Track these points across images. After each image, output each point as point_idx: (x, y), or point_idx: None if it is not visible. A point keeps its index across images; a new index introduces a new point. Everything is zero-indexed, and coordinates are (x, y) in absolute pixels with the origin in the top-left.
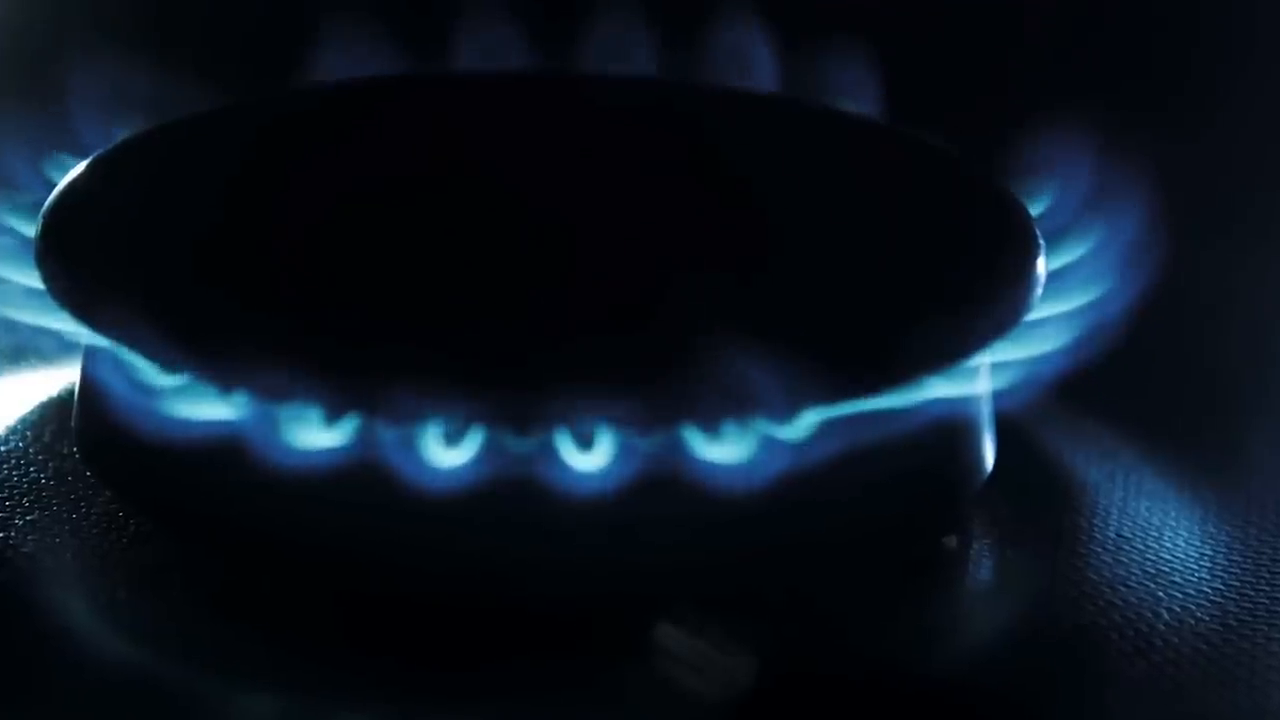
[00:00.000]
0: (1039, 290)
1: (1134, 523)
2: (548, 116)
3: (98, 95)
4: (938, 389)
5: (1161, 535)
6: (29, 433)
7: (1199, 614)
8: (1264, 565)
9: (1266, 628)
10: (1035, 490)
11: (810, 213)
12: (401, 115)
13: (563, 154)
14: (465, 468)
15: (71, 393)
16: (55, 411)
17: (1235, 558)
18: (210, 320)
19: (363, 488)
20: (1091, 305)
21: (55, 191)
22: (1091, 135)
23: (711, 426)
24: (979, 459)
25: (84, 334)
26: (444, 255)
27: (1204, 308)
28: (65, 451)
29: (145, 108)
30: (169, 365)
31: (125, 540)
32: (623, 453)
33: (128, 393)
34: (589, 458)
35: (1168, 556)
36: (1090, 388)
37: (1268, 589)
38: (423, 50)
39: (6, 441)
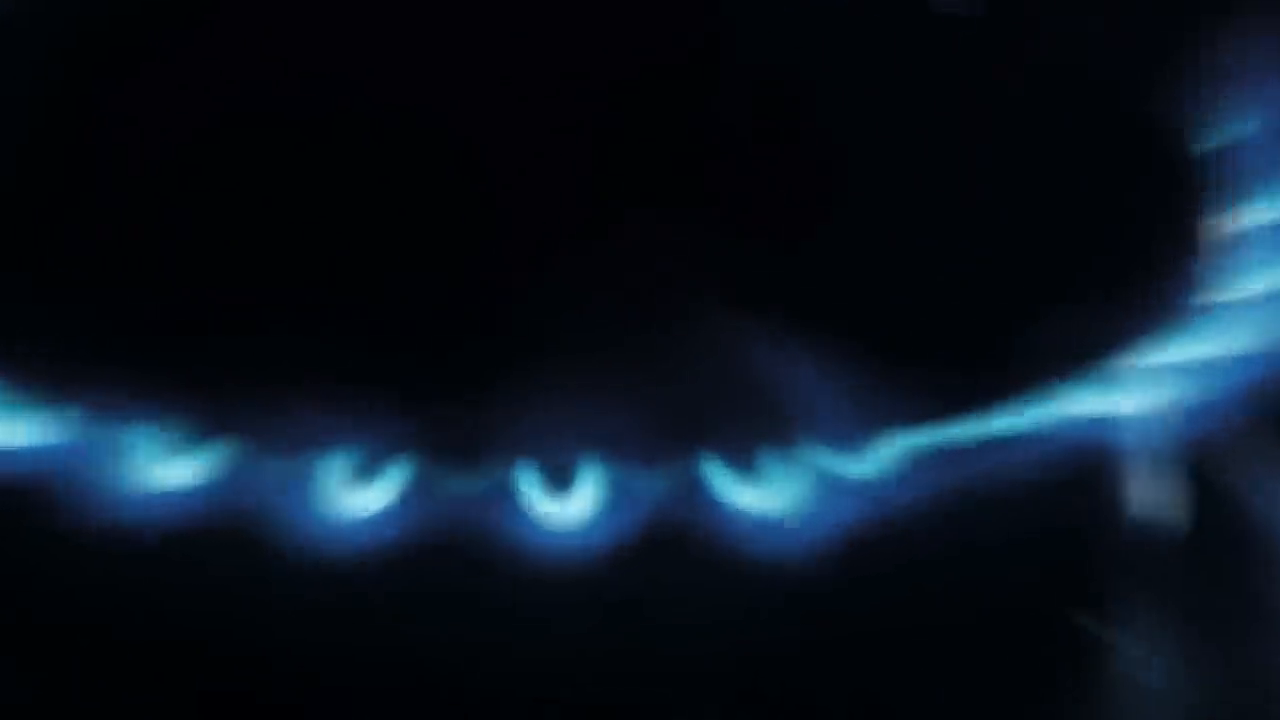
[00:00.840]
0: (1215, 265)
1: None
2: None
3: None
4: (1072, 405)
5: None
6: None
7: None
8: None
9: None
10: (1215, 553)
11: (886, 149)
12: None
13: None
14: (385, 516)
15: None
16: None
17: None
18: (24, 312)
19: (235, 545)
20: None
21: None
22: None
23: (742, 459)
24: (1128, 506)
25: None
26: (352, 220)
27: None
28: None
29: None
30: None
31: None
32: (614, 496)
33: None
34: (565, 503)
35: None
36: None
37: None
38: None
39: None
